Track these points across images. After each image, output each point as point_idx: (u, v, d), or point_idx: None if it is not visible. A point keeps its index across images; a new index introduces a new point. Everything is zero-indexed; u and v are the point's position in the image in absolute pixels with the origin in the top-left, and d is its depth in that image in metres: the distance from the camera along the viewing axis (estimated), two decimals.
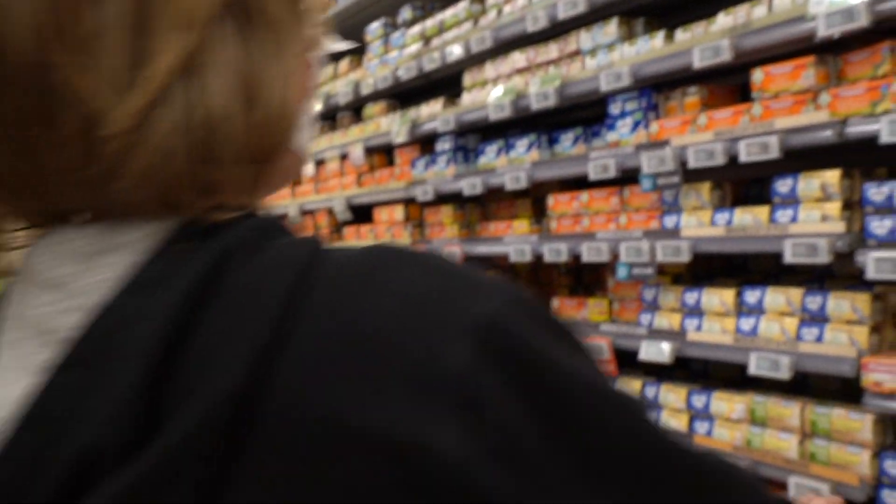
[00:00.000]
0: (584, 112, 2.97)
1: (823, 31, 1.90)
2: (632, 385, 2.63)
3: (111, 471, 0.42)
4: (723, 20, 2.22)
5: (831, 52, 2.05)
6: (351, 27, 4.24)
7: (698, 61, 2.20)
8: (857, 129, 1.89)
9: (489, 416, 0.42)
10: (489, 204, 3.51)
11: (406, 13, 3.82)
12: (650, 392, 2.56)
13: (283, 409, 0.43)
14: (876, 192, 1.92)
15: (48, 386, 0.45)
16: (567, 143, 2.90)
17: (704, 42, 2.19)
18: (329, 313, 0.44)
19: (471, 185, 3.19)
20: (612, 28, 2.58)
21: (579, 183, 2.87)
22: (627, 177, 2.54)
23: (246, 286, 0.45)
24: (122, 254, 0.48)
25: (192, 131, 0.46)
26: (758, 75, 2.13)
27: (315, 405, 0.43)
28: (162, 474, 0.41)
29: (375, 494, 0.42)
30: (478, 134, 3.39)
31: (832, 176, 2.00)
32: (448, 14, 3.36)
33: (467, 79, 3.31)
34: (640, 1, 2.59)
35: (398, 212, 3.77)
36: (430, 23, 3.50)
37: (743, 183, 2.50)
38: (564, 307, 2.98)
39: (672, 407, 2.49)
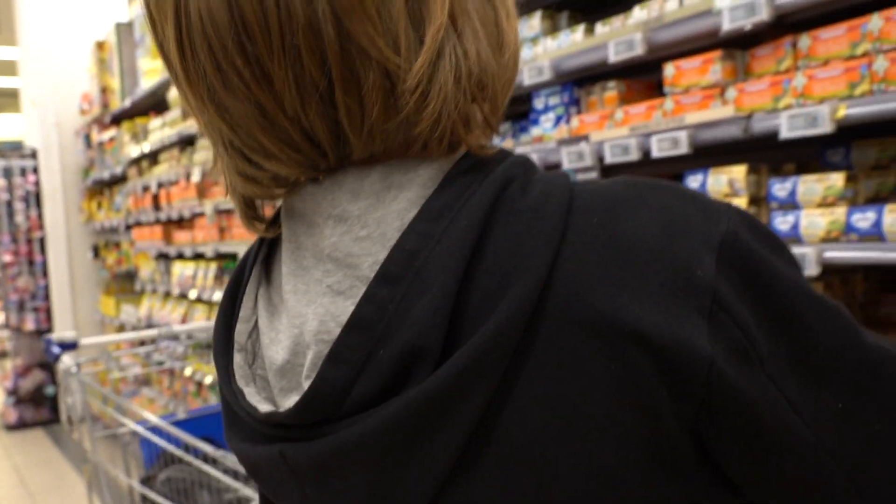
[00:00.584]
0: (521, 106, 2.95)
1: (728, 25, 1.89)
2: None
3: (427, 367, 0.53)
4: (638, 14, 2.21)
5: (741, 46, 2.05)
6: None
7: (613, 55, 2.19)
8: (761, 124, 1.89)
9: (730, 319, 0.52)
10: None
11: None
12: None
13: (562, 308, 0.53)
14: (780, 188, 1.92)
15: (366, 299, 0.54)
16: (497, 138, 2.88)
17: (619, 36, 2.18)
18: (596, 228, 0.54)
19: None
20: (535, 22, 2.57)
21: None
22: None
23: (528, 209, 0.55)
24: (410, 188, 0.57)
25: (463, 77, 0.56)
26: (669, 70, 2.12)
27: (588, 305, 0.52)
28: (471, 370, 0.52)
29: (640, 388, 0.52)
30: None
31: (739, 171, 2.00)
32: None
33: None
34: None
35: None
36: None
37: (667, 178, 2.50)
38: None
39: None
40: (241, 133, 0.58)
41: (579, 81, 2.50)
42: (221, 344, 0.65)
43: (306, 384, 0.57)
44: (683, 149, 2.03)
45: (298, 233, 0.61)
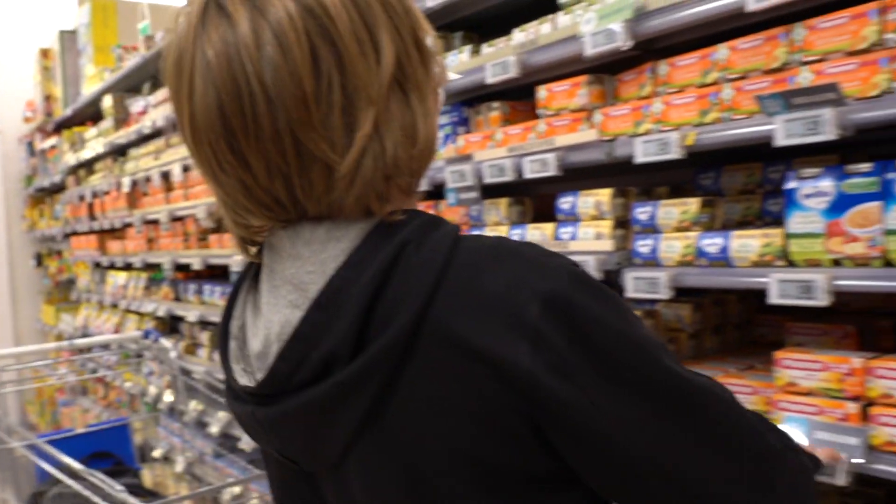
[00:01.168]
0: None
1: (590, 50, 1.91)
2: None
3: (341, 366, 0.79)
4: (518, 37, 2.23)
5: (612, 71, 2.07)
6: None
7: (490, 77, 2.20)
8: (623, 148, 1.90)
9: (548, 346, 0.76)
10: None
11: None
12: None
13: (433, 330, 0.78)
14: (641, 211, 1.93)
15: (305, 319, 0.82)
16: None
17: (496, 58, 2.19)
18: (465, 280, 0.79)
19: None
20: (428, 41, 2.57)
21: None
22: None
23: (419, 264, 0.80)
24: (342, 241, 0.83)
25: (381, 166, 0.81)
26: (542, 93, 2.14)
27: (452, 330, 0.78)
28: (369, 369, 0.79)
29: (483, 388, 0.78)
30: None
31: (605, 194, 2.01)
32: None
33: None
34: (456, 15, 2.58)
35: None
36: None
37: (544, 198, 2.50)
38: None
39: None
40: (232, 198, 0.85)
41: (470, 101, 2.51)
42: (221, 335, 0.94)
43: (268, 370, 0.85)
44: (552, 170, 2.05)
45: (273, 262, 0.88)
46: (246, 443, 3.68)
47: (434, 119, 0.88)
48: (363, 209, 0.83)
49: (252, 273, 0.94)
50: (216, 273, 4.55)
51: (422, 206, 2.85)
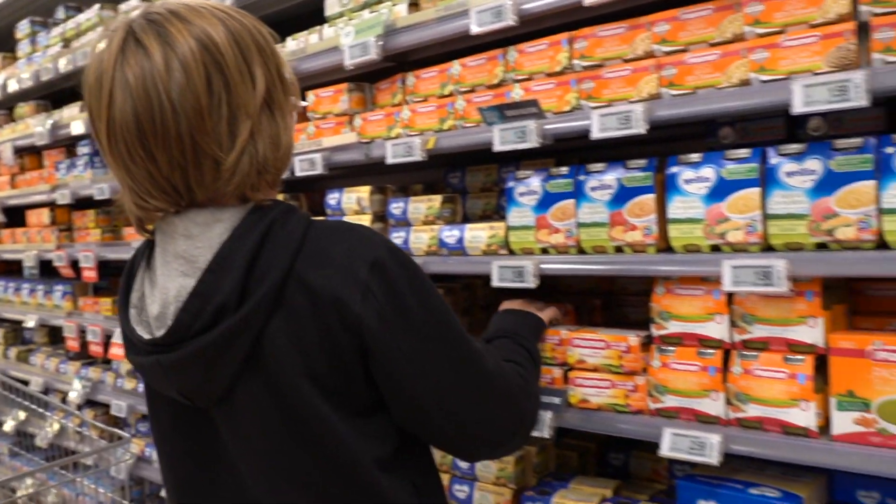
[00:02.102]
0: None
1: (348, 61, 2.11)
2: None
3: (230, 314, 1.08)
4: (290, 45, 2.39)
5: (371, 80, 2.28)
6: (6, 24, 4.05)
7: None
8: (378, 150, 2.11)
9: (373, 297, 1.10)
10: None
11: (60, 13, 3.71)
12: None
13: (296, 283, 1.10)
14: (395, 206, 2.16)
15: (201, 280, 1.09)
16: None
17: None
18: (318, 248, 1.12)
19: (100, 190, 3.16)
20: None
21: None
22: None
23: (284, 235, 1.11)
24: (224, 223, 1.12)
25: (255, 164, 1.11)
26: (311, 98, 2.32)
27: (309, 282, 1.09)
28: (251, 314, 1.08)
29: (330, 327, 1.09)
30: None
31: (364, 191, 2.22)
32: (83, 18, 3.31)
33: None
34: None
35: (44, 215, 3.65)
36: (70, 24, 3.43)
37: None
38: None
39: None
40: (138, 183, 1.11)
41: None
42: (122, 304, 1.21)
43: (171, 324, 1.11)
44: (319, 169, 2.23)
45: (165, 242, 1.14)
46: (41, 439, 3.61)
47: (291, 132, 1.20)
48: (240, 196, 1.14)
49: (145, 255, 1.20)
50: (12, 268, 4.40)
51: None
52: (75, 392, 3.46)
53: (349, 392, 1.14)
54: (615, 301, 2.26)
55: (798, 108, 1.38)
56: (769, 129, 1.82)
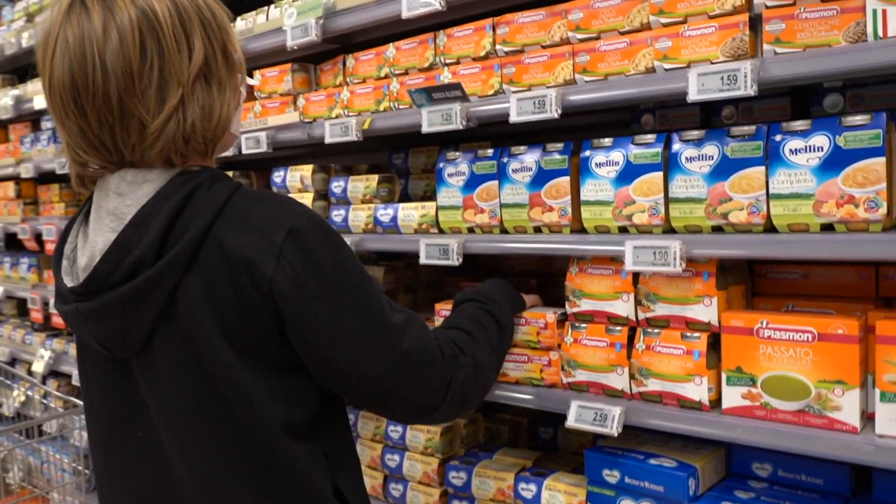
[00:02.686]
0: None
1: (290, 42, 2.16)
2: None
3: (146, 268, 1.14)
4: (240, 24, 2.43)
5: (313, 61, 2.33)
6: None
7: None
8: (319, 130, 2.17)
9: (288, 263, 1.15)
10: None
11: None
12: None
13: (212, 244, 1.15)
14: (336, 185, 2.22)
15: (122, 234, 1.15)
16: None
17: None
18: (238, 211, 1.17)
19: (62, 164, 3.21)
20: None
21: None
22: None
23: (207, 198, 1.17)
24: (151, 184, 1.18)
25: (182, 131, 1.17)
26: (256, 77, 2.37)
27: (224, 244, 1.15)
28: (166, 269, 1.14)
29: (244, 289, 1.15)
30: None
31: (307, 170, 2.28)
32: None
33: None
34: None
35: (10, 189, 3.70)
36: (33, 0, 3.47)
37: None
38: None
39: None
40: (73, 139, 1.18)
41: None
42: (57, 255, 1.27)
43: (89, 274, 1.16)
44: (264, 147, 2.29)
45: (99, 198, 1.21)
46: (7, 408, 3.68)
47: (231, 107, 1.26)
48: (165, 160, 1.20)
49: (84, 210, 1.27)
50: None
51: None
52: (40, 363, 3.53)
53: (264, 351, 1.19)
54: (551, 281, 2.33)
55: (693, 95, 1.44)
56: (687, 116, 1.88)
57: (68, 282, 1.22)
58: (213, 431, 1.21)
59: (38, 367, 3.54)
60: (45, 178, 3.48)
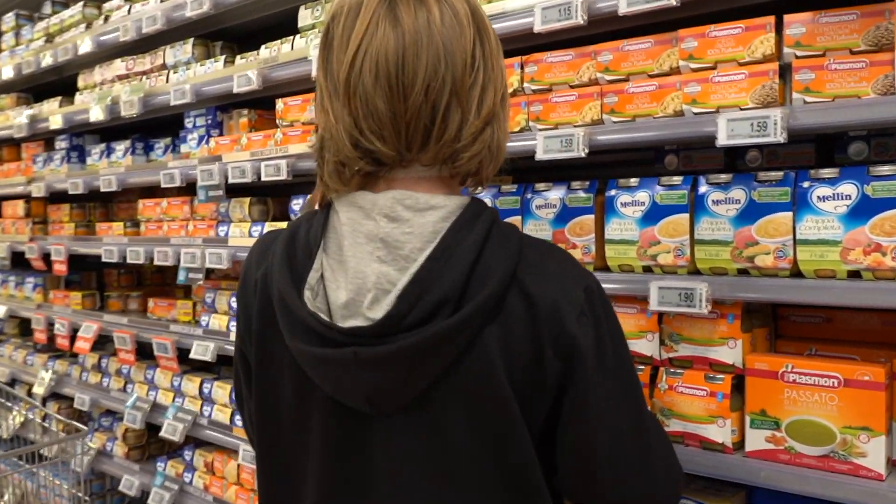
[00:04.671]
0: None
1: (314, 73, 2.18)
2: (193, 382, 2.79)
3: (447, 312, 0.98)
4: (264, 52, 2.46)
5: None
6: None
7: (236, 86, 2.42)
8: None
9: (586, 321, 1.04)
10: (115, 205, 3.56)
11: (47, 8, 3.78)
12: (206, 388, 2.74)
13: (516, 289, 1.02)
14: None
15: (421, 268, 0.99)
16: (160, 151, 3.03)
17: (243, 70, 2.42)
18: (534, 258, 1.05)
19: (74, 185, 3.22)
20: (188, 47, 2.76)
21: (186, 189, 3.01)
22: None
23: (504, 237, 1.04)
24: (437, 211, 1.03)
25: (492, 142, 1.07)
26: (280, 105, 2.39)
27: (530, 290, 1.02)
28: (475, 314, 0.98)
29: (542, 339, 1.02)
30: (97, 135, 3.43)
31: None
32: (67, 14, 3.37)
33: (81, 80, 3.35)
34: (218, 26, 2.78)
35: (19, 207, 3.70)
36: (54, 20, 3.49)
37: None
38: (157, 308, 3.09)
39: (220, 402, 2.69)
40: (369, 122, 1.01)
41: (224, 107, 2.71)
42: (290, 283, 1.05)
43: (369, 314, 1.00)
44: (283, 175, 2.30)
45: (356, 220, 1.04)
46: (5, 430, 3.64)
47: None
48: (463, 175, 1.09)
49: (320, 232, 1.07)
50: None
51: (177, 202, 2.97)
52: (41, 384, 3.51)
53: (533, 418, 1.06)
54: None
55: (722, 140, 1.46)
56: (712, 157, 1.90)
57: (338, 318, 1.03)
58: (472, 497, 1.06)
59: (40, 389, 3.51)
60: (56, 197, 3.49)
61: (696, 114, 1.56)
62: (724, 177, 1.56)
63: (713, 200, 1.56)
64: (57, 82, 3.65)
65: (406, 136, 1.02)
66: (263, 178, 2.35)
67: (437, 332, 0.97)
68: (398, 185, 1.06)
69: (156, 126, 3.21)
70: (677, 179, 1.62)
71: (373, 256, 1.01)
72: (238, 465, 2.66)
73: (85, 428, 2.57)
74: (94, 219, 3.51)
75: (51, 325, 3.47)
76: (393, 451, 1.05)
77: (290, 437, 1.12)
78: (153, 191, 3.25)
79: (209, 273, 2.91)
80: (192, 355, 2.66)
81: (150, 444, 3.25)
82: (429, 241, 1.02)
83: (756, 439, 1.51)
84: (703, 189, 1.58)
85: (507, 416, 1.02)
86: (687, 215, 1.58)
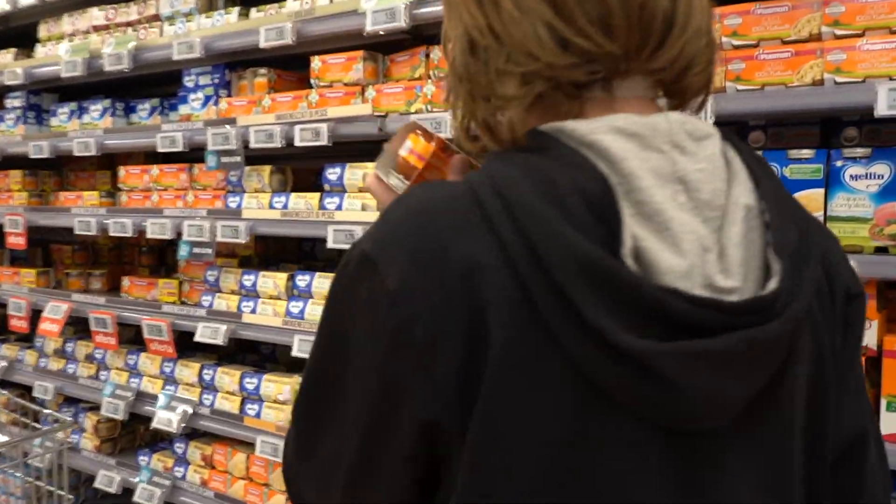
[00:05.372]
0: (171, 86, 2.82)
1: (370, 27, 1.99)
2: (190, 368, 2.54)
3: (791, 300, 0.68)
4: (291, 5, 2.24)
5: (382, 51, 2.17)
6: None
7: (264, 41, 2.19)
8: (395, 124, 2.00)
9: (858, 304, 0.80)
10: (69, 173, 3.20)
11: None
12: (207, 374, 2.50)
13: (828, 279, 0.76)
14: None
15: (774, 228, 0.70)
16: (144, 112, 2.74)
17: (271, 23, 2.18)
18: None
19: (38, 148, 2.87)
20: None
21: (167, 156, 2.73)
22: (199, 155, 2.45)
23: (789, 200, 0.76)
24: (713, 138, 0.72)
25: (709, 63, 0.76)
26: (316, 63, 2.18)
27: (828, 265, 0.76)
28: (811, 297, 0.71)
29: (835, 322, 0.77)
30: (55, 94, 3.07)
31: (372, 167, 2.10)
32: None
33: (43, 31, 2.98)
34: None
35: None
36: None
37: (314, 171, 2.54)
38: (134, 287, 2.80)
39: (226, 389, 2.45)
40: (588, 5, 0.69)
41: (232, 65, 2.46)
42: (598, 252, 0.64)
43: (724, 282, 0.67)
44: (324, 140, 2.09)
45: (637, 150, 0.69)
46: None
47: None
48: (694, 92, 0.76)
49: (591, 177, 0.67)
50: None
51: (171, 169, 2.69)
52: None
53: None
54: None
55: (882, 110, 1.39)
56: (804, 134, 1.84)
57: (714, 291, 0.68)
58: None
59: None
60: (7, 162, 3.10)
61: (838, 83, 1.48)
62: (861, 151, 1.50)
63: (851, 175, 1.49)
64: (8, 31, 3.25)
65: (641, 26, 0.70)
66: (298, 144, 2.13)
67: (791, 316, 0.67)
68: (620, 108, 0.72)
69: (134, 85, 2.90)
70: (808, 153, 1.54)
71: (675, 203, 0.68)
72: (247, 458, 2.43)
73: (67, 419, 2.27)
74: (49, 188, 3.15)
75: (3, 305, 3.09)
76: (739, 485, 0.72)
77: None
78: (128, 158, 2.93)
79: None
80: (198, 338, 2.41)
81: (121, 437, 2.95)
82: (725, 181, 0.72)
83: (893, 423, 1.46)
84: (838, 163, 1.51)
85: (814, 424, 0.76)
86: (822, 190, 1.51)
